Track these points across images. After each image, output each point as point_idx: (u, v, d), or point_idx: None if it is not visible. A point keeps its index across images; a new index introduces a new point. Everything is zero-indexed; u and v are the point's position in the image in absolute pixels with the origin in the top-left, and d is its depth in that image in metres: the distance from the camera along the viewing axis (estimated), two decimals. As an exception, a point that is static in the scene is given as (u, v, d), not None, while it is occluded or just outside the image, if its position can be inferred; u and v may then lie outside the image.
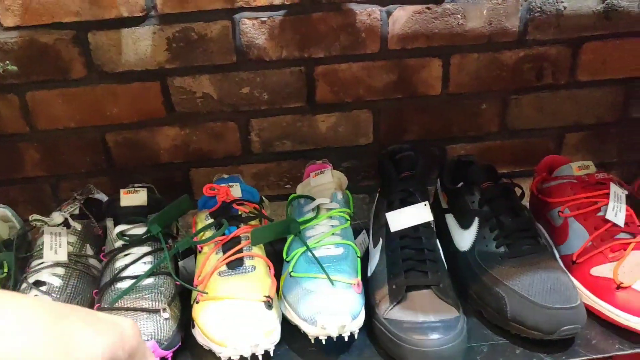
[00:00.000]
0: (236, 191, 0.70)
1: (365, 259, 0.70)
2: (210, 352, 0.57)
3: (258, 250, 0.64)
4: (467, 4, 0.78)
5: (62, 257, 0.65)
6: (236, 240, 0.64)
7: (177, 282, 0.63)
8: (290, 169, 0.88)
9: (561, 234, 0.68)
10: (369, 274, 0.67)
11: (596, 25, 0.81)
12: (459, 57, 0.82)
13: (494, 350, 0.58)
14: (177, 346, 0.58)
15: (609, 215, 0.63)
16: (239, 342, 0.53)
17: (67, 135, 0.82)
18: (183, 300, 0.64)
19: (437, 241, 0.67)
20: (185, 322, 0.62)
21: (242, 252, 0.63)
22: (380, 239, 0.68)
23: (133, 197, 0.69)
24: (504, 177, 0.73)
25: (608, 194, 0.66)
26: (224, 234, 0.64)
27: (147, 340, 0.54)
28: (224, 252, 0.62)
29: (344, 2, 0.76)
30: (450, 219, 0.73)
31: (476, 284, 0.64)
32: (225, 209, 0.67)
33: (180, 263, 0.69)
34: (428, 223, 0.66)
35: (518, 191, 0.71)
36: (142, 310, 0.57)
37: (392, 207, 0.68)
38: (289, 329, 0.60)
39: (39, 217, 0.69)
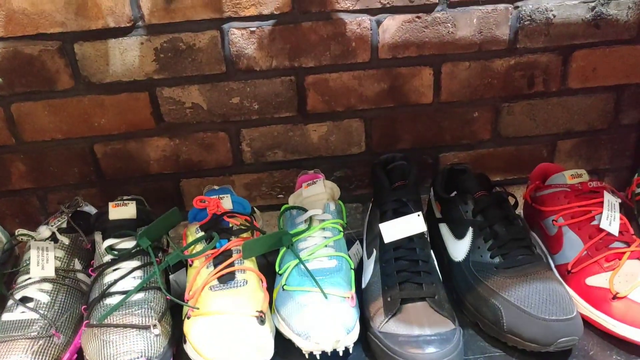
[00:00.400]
0: (227, 203, 0.69)
1: (359, 269, 0.69)
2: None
3: (250, 264, 0.63)
4: (457, 13, 0.77)
5: (50, 272, 0.63)
6: (227, 253, 0.63)
7: (167, 297, 0.61)
8: (282, 179, 0.87)
9: (555, 243, 0.68)
10: (363, 285, 0.66)
11: (586, 33, 0.81)
12: (450, 65, 0.81)
13: (492, 362, 0.58)
14: (168, 363, 0.57)
15: (603, 224, 0.63)
16: (231, 359, 0.51)
17: (55, 146, 0.81)
18: (174, 315, 0.62)
19: (432, 252, 0.66)
20: (176, 337, 0.60)
21: (233, 265, 0.61)
22: (374, 250, 0.67)
23: (122, 210, 0.68)
24: (497, 185, 0.73)
25: (602, 202, 0.66)
26: (214, 248, 0.63)
27: (138, 357, 0.53)
28: (215, 266, 0.61)
29: (333, 11, 0.75)
30: (444, 229, 0.72)
31: (472, 295, 0.63)
32: (216, 222, 0.66)
33: (171, 276, 0.68)
34: (422, 233, 0.66)
35: (511, 200, 0.71)
36: (132, 326, 0.56)
37: (385, 218, 0.67)
38: (282, 343, 0.59)
39: (25, 231, 0.68)
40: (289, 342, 0.59)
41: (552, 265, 0.68)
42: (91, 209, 0.76)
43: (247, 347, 0.53)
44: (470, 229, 0.67)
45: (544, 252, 0.70)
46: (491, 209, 0.67)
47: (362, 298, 0.64)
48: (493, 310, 0.59)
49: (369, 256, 0.68)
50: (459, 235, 0.69)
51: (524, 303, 0.57)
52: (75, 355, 0.61)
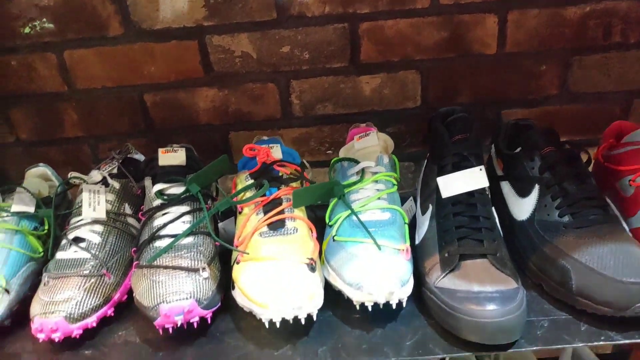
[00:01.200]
0: (277, 152, 0.67)
1: (412, 227, 0.66)
2: (251, 315, 0.54)
3: (300, 213, 0.61)
4: (530, -47, 0.71)
5: (101, 214, 0.63)
6: (277, 201, 0.61)
7: (216, 243, 0.61)
8: (332, 134, 0.84)
9: (632, 205, 0.62)
10: (417, 241, 0.63)
11: (675, -24, 0.73)
12: (516, 13, 0.75)
13: (556, 326, 0.53)
14: (216, 306, 0.56)
15: (691, 184, 0.57)
16: (281, 304, 0.50)
17: (105, 94, 0.81)
18: (223, 263, 0.61)
19: (493, 209, 0.62)
20: (225, 285, 0.59)
21: (283, 213, 0.59)
22: (430, 206, 0.63)
23: (171, 157, 0.67)
24: (567, 143, 0.67)
25: (689, 160, 0.59)
26: (264, 195, 0.61)
27: (186, 298, 0.52)
28: (265, 214, 0.59)
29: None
30: (506, 187, 0.67)
31: (536, 256, 0.59)
32: (266, 170, 0.64)
33: (220, 225, 0.67)
34: (483, 189, 0.61)
35: (584, 157, 0.65)
36: (181, 269, 0.55)
37: (443, 173, 0.63)
38: (332, 295, 0.57)
39: (77, 174, 0.68)
40: (339, 295, 0.56)
41: (627, 229, 0.62)
42: (141, 157, 0.76)
43: (297, 293, 0.51)
44: (537, 187, 0.62)
45: (618, 215, 0.64)
46: (560, 165, 0.62)
47: (417, 254, 0.61)
48: (561, 272, 0.55)
49: (423, 212, 0.65)
50: (523, 193, 0.64)
51: (597, 264, 0.53)
52: (126, 296, 0.62)
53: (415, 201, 0.70)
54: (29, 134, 0.84)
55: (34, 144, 0.85)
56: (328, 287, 0.57)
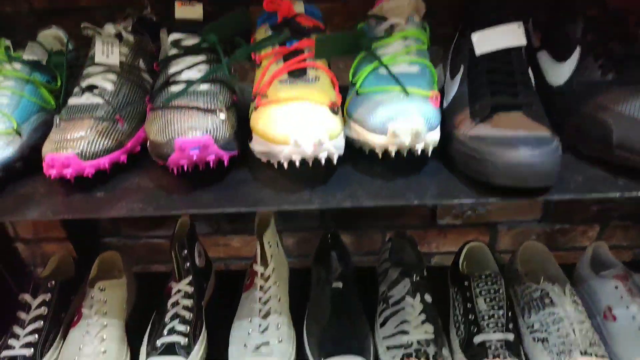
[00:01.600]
0: (299, 7, 0.62)
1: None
2: (269, 166, 0.52)
3: (322, 63, 0.58)
4: None
5: (114, 61, 0.61)
6: (299, 52, 0.57)
7: (234, 97, 0.58)
8: (358, 9, 0.78)
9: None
10: (445, 105, 0.59)
11: None
12: None
13: (592, 181, 0.50)
14: (233, 152, 0.54)
15: None
16: (301, 137, 0.47)
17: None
18: (240, 122, 0.58)
19: (530, 70, 0.58)
20: (241, 139, 0.57)
21: (305, 62, 0.56)
22: (462, 66, 0.59)
23: (188, 10, 0.63)
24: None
25: None
26: (284, 45, 0.57)
27: (203, 134, 0.50)
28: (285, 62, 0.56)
29: None
30: (543, 56, 0.63)
31: (573, 117, 0.55)
32: (287, 23, 0.60)
33: (238, 85, 0.64)
34: (520, 49, 0.57)
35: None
36: (198, 109, 0.53)
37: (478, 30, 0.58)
38: (353, 154, 0.54)
39: (90, 25, 0.65)
40: (360, 154, 0.54)
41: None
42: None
43: (318, 128, 0.48)
44: (578, 48, 0.57)
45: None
46: (606, 26, 0.57)
47: (444, 116, 0.57)
48: (601, 126, 0.51)
49: (453, 76, 0.61)
50: (561, 57, 0.59)
51: (642, 114, 0.49)
52: (139, 148, 0.60)
53: (445, 69, 0.66)
54: (42, 1, 0.81)
55: (48, 13, 0.81)
56: (348, 149, 0.54)
